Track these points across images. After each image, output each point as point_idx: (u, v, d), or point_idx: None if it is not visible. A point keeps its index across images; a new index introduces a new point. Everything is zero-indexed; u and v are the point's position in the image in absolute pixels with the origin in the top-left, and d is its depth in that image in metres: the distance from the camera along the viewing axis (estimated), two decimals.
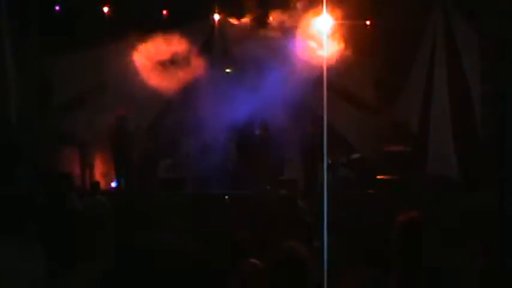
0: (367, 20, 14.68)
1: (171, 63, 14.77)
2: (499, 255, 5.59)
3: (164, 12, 14.54)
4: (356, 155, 14.34)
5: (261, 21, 14.94)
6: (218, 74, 15.52)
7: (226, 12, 15.11)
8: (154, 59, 15.04)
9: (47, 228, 6.51)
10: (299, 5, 13.76)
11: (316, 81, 14.94)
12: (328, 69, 14.74)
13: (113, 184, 13.59)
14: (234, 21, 15.21)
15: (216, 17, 15.34)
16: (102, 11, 14.51)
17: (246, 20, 14.91)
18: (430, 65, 13.97)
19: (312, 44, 14.36)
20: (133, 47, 14.69)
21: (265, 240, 6.17)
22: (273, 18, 14.91)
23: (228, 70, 15.80)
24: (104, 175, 13.55)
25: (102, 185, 12.89)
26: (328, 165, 13.66)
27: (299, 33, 14.39)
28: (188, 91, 14.40)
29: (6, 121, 13.23)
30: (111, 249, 6.34)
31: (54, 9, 14.43)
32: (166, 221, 8.17)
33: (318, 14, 14.30)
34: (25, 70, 13.67)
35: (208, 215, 8.59)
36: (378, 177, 13.30)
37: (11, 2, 13.16)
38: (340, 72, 14.80)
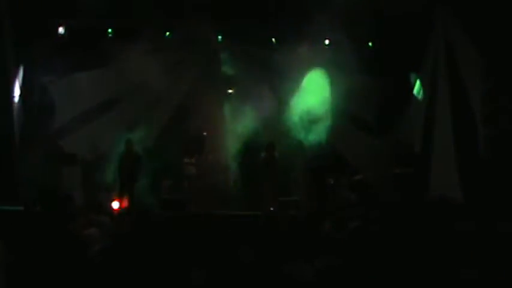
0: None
1: (174, 83, 14.84)
2: None
3: (167, 33, 14.60)
4: (358, 177, 14.30)
5: (263, 43, 15.06)
6: (221, 95, 15.59)
7: (229, 33, 15.17)
8: (157, 79, 15.13)
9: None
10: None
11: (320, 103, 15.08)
12: (330, 91, 14.99)
13: (115, 205, 13.54)
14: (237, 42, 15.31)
15: (219, 37, 15.41)
16: (106, 32, 14.57)
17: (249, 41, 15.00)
18: (432, 84, 13.99)
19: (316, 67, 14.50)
20: (136, 67, 14.77)
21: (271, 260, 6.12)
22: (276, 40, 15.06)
23: (230, 91, 15.84)
24: (106, 195, 13.52)
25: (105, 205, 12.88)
26: (331, 187, 13.67)
27: (300, 54, 14.51)
28: (191, 111, 14.44)
29: (10, 140, 13.27)
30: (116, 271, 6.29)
31: (57, 30, 14.51)
32: (171, 242, 8.10)
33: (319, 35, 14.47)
34: (28, 90, 13.75)
35: (211, 235, 8.52)
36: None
37: (15, 24, 13.27)
38: (342, 93, 14.92)
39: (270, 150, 13.59)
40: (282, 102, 14.81)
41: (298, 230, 8.32)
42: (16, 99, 13.71)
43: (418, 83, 14.52)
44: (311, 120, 14.71)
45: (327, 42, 14.85)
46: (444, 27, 13.58)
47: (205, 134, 15.68)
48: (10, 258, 6.04)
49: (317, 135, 14.48)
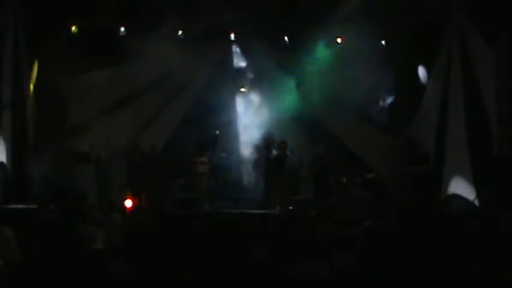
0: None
1: (186, 81, 14.86)
2: None
3: (180, 31, 14.60)
4: (371, 175, 14.27)
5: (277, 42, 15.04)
6: (234, 93, 15.59)
7: (242, 32, 15.16)
8: (170, 77, 15.16)
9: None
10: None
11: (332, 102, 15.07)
12: (343, 90, 14.97)
13: (128, 203, 13.57)
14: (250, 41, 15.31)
15: (232, 36, 15.39)
16: (118, 31, 14.59)
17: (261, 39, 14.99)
18: (445, 82, 13.92)
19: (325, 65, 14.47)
20: (148, 66, 14.81)
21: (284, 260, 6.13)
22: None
23: (243, 89, 15.84)
24: (119, 194, 13.54)
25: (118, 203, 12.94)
26: (343, 186, 13.64)
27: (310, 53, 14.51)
28: (204, 110, 14.45)
29: (23, 139, 13.34)
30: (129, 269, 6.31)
31: (70, 29, 14.55)
32: (183, 240, 8.12)
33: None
34: (42, 88, 13.80)
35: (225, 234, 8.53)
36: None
37: (28, 22, 13.34)
38: (355, 93, 14.89)
39: (282, 148, 13.56)
40: (296, 99, 14.77)
41: (312, 229, 8.33)
42: (30, 97, 13.77)
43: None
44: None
45: (339, 40, 14.80)
46: (458, 26, 13.50)
47: (217, 132, 15.72)
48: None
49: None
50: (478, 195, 12.85)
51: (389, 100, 15.15)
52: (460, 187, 13.02)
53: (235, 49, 15.64)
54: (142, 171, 13.43)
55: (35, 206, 11.34)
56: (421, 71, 14.59)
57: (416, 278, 5.83)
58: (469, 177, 13.21)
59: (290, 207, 12.85)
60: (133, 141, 13.89)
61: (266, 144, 14.25)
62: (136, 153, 13.54)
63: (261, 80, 15.48)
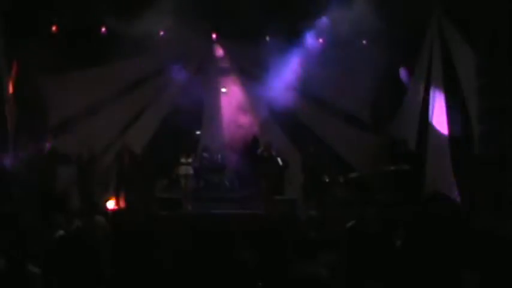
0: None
1: (167, 81, 14.78)
2: None
3: (161, 32, 14.51)
4: (354, 174, 14.31)
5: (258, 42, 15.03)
6: (216, 93, 15.56)
7: (224, 32, 15.13)
8: (151, 77, 15.08)
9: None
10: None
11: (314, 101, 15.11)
12: (325, 89, 15.01)
13: (110, 204, 13.48)
14: (231, 40, 15.28)
15: (214, 36, 15.36)
16: (99, 31, 14.47)
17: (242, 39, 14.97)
18: (427, 82, 14.02)
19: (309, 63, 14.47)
20: (129, 66, 14.71)
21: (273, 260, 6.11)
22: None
23: (224, 90, 15.80)
24: (102, 195, 13.45)
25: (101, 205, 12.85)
26: (326, 185, 13.66)
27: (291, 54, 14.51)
28: (185, 109, 14.39)
29: (3, 141, 13.16)
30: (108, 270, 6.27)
31: (50, 28, 14.40)
32: (167, 241, 8.07)
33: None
34: (21, 89, 13.63)
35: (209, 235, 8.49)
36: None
37: (7, 21, 13.17)
38: (337, 92, 14.94)
39: (267, 148, 13.54)
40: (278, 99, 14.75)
41: (298, 230, 8.32)
42: (9, 98, 13.59)
43: None
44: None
45: (320, 41, 14.83)
46: (439, 26, 13.60)
47: (198, 133, 15.66)
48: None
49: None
50: (460, 194, 12.96)
51: (371, 99, 15.22)
52: (442, 186, 13.12)
53: (217, 49, 15.60)
54: (125, 172, 13.33)
55: (14, 209, 11.22)
56: (403, 71, 14.68)
57: (400, 277, 5.83)
58: (451, 176, 13.32)
59: (275, 207, 12.83)
60: (116, 141, 13.77)
61: (250, 145, 14.23)
62: (119, 154, 13.42)
63: (242, 80, 15.46)
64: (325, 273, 3.91)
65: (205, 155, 14.78)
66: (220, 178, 14.68)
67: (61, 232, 7.89)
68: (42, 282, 5.37)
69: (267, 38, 15.07)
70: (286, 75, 14.60)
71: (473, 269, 5.90)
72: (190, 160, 13.50)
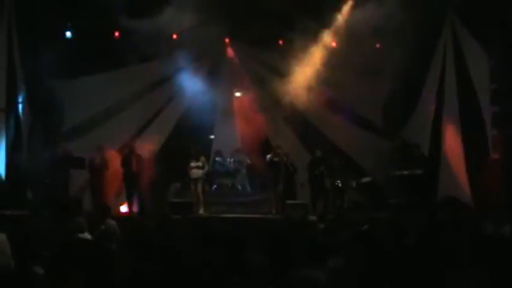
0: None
1: (181, 86, 14.80)
2: None
3: (174, 36, 14.56)
4: (367, 179, 14.26)
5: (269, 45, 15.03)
6: (228, 96, 15.55)
7: (236, 36, 15.14)
8: (165, 82, 15.13)
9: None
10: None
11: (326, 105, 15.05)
12: (337, 93, 14.96)
13: (124, 208, 13.51)
14: (243, 44, 15.29)
15: (226, 40, 15.39)
16: (113, 35, 14.55)
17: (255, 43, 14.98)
18: (440, 85, 13.95)
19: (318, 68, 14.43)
20: (144, 70, 14.78)
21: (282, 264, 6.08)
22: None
23: (238, 94, 15.81)
24: (114, 199, 13.47)
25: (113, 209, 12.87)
26: (339, 189, 13.60)
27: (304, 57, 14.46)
28: (198, 113, 14.40)
29: (18, 146, 13.25)
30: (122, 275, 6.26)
31: (65, 32, 14.51)
32: (179, 244, 8.09)
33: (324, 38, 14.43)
34: (36, 93, 13.73)
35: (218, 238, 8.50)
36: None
37: (21, 27, 13.27)
38: (350, 96, 14.87)
39: (277, 152, 13.48)
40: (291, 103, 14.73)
41: (309, 233, 8.29)
42: (23, 101, 13.68)
43: None
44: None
45: (333, 44, 14.76)
46: (453, 30, 13.55)
47: (212, 137, 15.67)
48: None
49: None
50: (473, 198, 12.87)
51: (384, 102, 15.14)
52: (455, 189, 13.03)
53: (230, 52, 15.62)
54: (138, 176, 13.35)
55: (28, 213, 11.29)
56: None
57: (409, 283, 5.80)
58: (464, 181, 13.23)
59: (285, 212, 12.79)
60: (129, 145, 13.81)
61: (262, 149, 14.20)
62: (126, 158, 13.44)
63: (255, 84, 15.45)
64: (323, 278, 3.89)
65: (217, 159, 14.78)
66: (232, 182, 14.68)
67: (84, 234, 7.93)
68: (47, 284, 5.38)
69: (280, 42, 15.09)
70: (299, 78, 14.56)
71: (483, 271, 5.86)
72: (200, 164, 13.46)
